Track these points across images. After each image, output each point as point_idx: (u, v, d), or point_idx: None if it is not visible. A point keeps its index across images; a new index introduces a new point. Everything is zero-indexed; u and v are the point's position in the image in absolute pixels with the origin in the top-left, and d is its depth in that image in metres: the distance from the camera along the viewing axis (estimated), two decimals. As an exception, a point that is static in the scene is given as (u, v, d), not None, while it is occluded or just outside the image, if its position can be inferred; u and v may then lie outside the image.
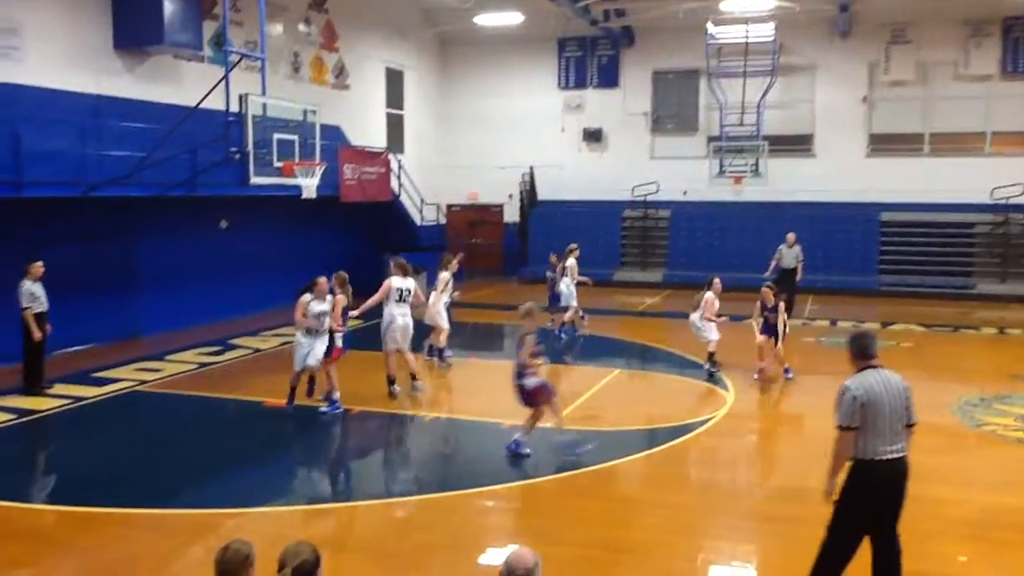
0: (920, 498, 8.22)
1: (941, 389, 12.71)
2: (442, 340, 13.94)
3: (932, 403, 11.96)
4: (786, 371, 13.24)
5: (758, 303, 13.32)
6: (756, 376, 13.02)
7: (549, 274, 17.40)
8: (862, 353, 5.95)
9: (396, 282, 11.95)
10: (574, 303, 16.66)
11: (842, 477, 5.96)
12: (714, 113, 25.43)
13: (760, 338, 13.19)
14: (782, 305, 13.26)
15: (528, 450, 9.33)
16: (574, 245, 17.31)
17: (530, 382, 9.22)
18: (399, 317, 11.91)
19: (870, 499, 5.89)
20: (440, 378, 13.59)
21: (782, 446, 10.37)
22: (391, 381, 11.95)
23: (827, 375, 13.94)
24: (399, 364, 12.09)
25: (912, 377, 14.43)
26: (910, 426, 5.97)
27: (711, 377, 12.99)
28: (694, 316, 13.37)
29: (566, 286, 16.62)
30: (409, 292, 12.01)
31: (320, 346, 10.97)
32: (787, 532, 7.54)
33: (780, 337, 13.05)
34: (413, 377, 12.19)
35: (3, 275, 12.56)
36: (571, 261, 16.82)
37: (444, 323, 13.84)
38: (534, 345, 9.18)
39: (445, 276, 13.89)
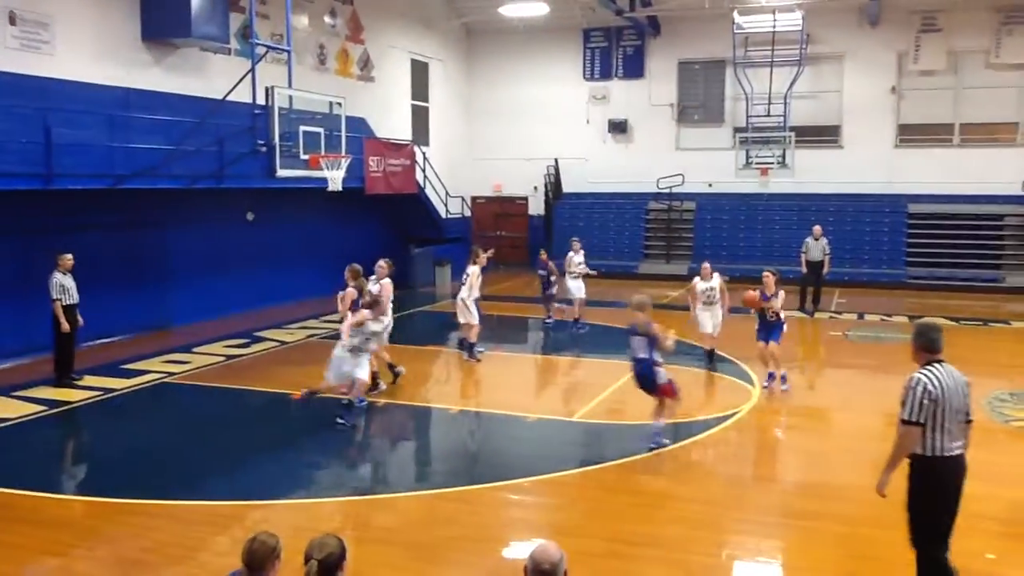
0: (948, 495, 8.17)
1: (971, 384, 12.53)
2: (473, 335, 13.86)
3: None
4: (781, 379, 12.10)
5: (756, 293, 12.05)
6: (765, 385, 12.08)
7: (541, 272, 17.24)
8: (930, 347, 5.79)
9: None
10: (580, 295, 16.82)
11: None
12: (740, 104, 25.23)
13: (759, 344, 12.14)
14: (782, 294, 12.00)
15: (667, 440, 9.44)
16: (574, 239, 17.57)
17: (661, 377, 9.28)
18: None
19: (939, 497, 5.70)
20: (467, 372, 13.61)
21: (807, 441, 10.30)
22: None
23: (853, 369, 13.91)
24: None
25: (941, 372, 14.12)
26: (968, 422, 5.83)
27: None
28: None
29: (571, 279, 16.81)
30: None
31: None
32: (812, 528, 7.50)
33: (778, 333, 12.00)
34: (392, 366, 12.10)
35: (34, 267, 12.76)
36: (569, 255, 16.99)
37: (475, 319, 13.74)
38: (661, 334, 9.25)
39: (475, 270, 13.79)
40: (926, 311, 19.05)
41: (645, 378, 9.34)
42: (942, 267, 23.07)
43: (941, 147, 24.34)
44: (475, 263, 13.90)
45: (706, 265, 13.86)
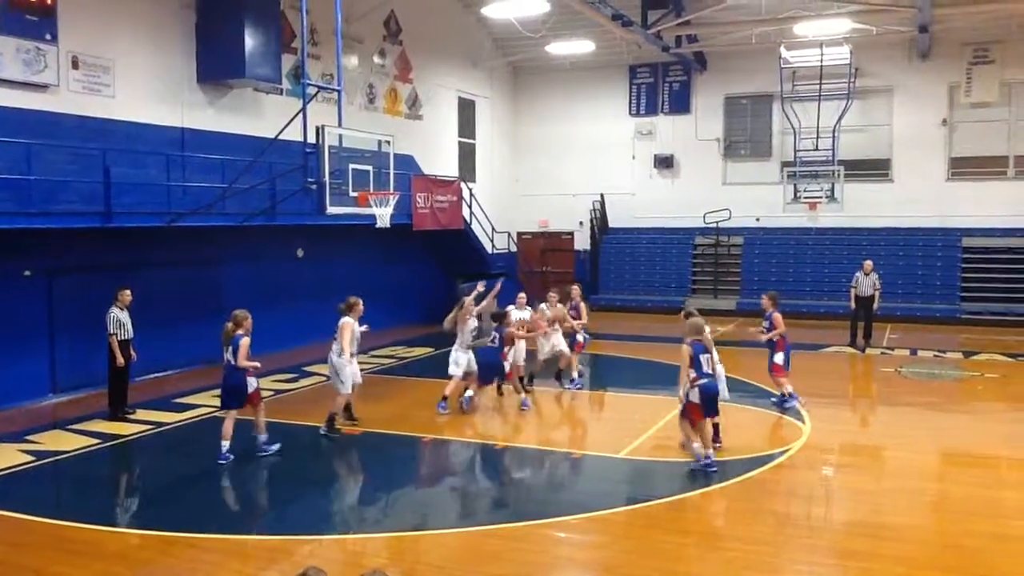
0: (1006, 536, 7.97)
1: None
2: (567, 365, 14.49)
3: (1018, 436, 11.55)
4: (785, 398, 12.89)
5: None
6: (774, 400, 13.05)
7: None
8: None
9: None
10: (520, 360, 13.77)
11: None
12: (788, 138, 25.12)
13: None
14: (777, 316, 12.78)
15: (714, 468, 9.69)
16: (520, 295, 14.75)
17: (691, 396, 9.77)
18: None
19: None
20: (513, 407, 13.59)
21: (860, 480, 10.10)
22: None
23: (907, 407, 13.63)
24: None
25: (998, 409, 13.99)
26: None
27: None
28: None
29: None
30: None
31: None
32: (866, 569, 7.33)
33: (771, 357, 12.87)
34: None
35: (92, 303, 13.08)
36: (509, 309, 13.84)
37: (567, 349, 14.38)
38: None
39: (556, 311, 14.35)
40: (981, 347, 18.68)
41: (716, 396, 9.84)
42: (997, 302, 22.57)
43: (995, 180, 23.93)
44: (552, 304, 14.45)
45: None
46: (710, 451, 9.81)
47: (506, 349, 12.80)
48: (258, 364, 10.50)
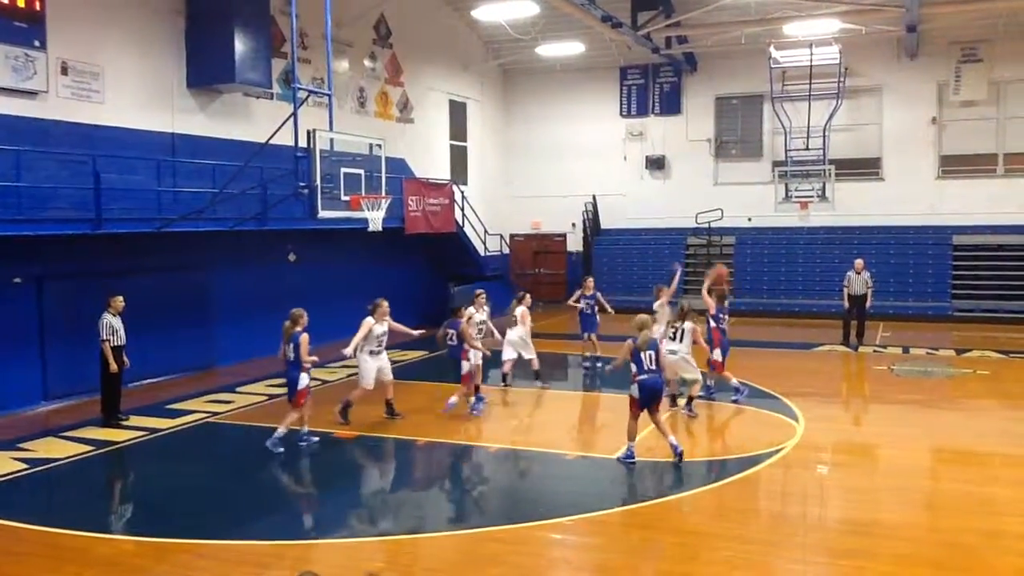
0: (1000, 533, 8.00)
1: (1020, 419, 12.31)
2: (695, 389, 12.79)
3: (1011, 432, 11.59)
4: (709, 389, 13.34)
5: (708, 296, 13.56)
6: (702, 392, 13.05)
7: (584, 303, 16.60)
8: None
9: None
10: (477, 361, 12.96)
11: None
12: (779, 138, 25.21)
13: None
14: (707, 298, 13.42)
15: (633, 463, 10.03)
16: (479, 291, 14.19)
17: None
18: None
19: None
20: (507, 409, 13.58)
21: (853, 478, 10.12)
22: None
23: (900, 405, 13.66)
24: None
25: (990, 406, 14.05)
26: None
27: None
28: (678, 347, 12.17)
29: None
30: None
31: (386, 363, 12.14)
32: (860, 568, 7.33)
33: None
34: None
35: (83, 309, 13.05)
36: (469, 311, 13.32)
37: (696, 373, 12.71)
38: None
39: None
40: (972, 344, 18.74)
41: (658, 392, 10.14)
42: (988, 299, 22.66)
43: (985, 178, 24.06)
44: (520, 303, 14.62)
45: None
46: (632, 446, 10.10)
47: (466, 347, 12.46)
48: (316, 359, 11.11)
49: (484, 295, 13.91)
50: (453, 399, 12.48)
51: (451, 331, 12.50)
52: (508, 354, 14.49)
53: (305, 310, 11.05)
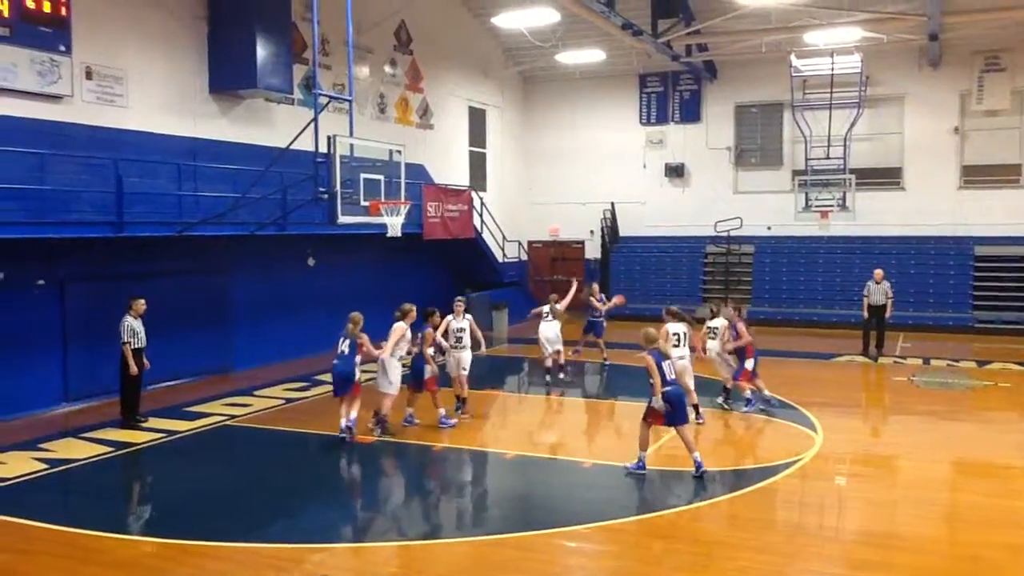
0: (1021, 547, 7.91)
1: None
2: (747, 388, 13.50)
3: (1033, 446, 11.47)
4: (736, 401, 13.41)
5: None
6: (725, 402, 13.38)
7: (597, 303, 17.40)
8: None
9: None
10: (464, 370, 13.00)
11: None
12: (799, 146, 25.08)
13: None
14: (741, 327, 13.21)
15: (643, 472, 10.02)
16: (458, 299, 13.60)
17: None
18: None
19: None
20: (522, 416, 13.56)
21: (872, 489, 10.04)
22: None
23: (919, 416, 13.55)
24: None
25: (1011, 419, 13.90)
26: None
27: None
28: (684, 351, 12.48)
29: (456, 350, 13.18)
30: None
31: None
32: (878, 580, 7.29)
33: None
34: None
35: (103, 312, 13.16)
36: (447, 320, 12.97)
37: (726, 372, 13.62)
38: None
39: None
40: (994, 356, 18.57)
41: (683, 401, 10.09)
42: (1011, 310, 22.44)
43: (1007, 188, 23.84)
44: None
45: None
46: (643, 456, 10.08)
47: (430, 350, 12.18)
48: (377, 352, 11.76)
49: (464, 303, 13.43)
50: (442, 413, 12.33)
51: (418, 334, 12.13)
52: (546, 349, 15.68)
53: (362, 313, 11.89)
